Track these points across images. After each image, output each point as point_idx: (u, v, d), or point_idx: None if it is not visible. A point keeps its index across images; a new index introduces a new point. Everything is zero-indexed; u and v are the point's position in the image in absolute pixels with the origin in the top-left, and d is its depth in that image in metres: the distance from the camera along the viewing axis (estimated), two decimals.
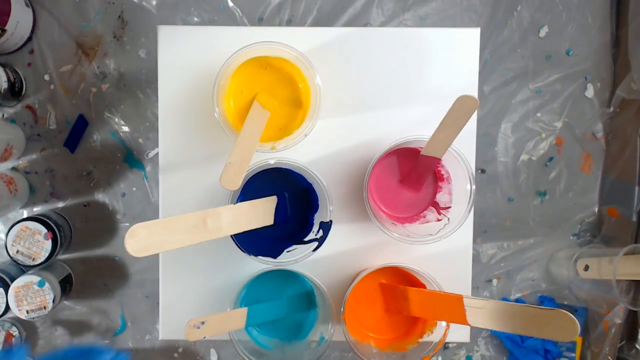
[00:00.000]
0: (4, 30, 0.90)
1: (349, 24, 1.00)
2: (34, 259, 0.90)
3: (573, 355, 1.01)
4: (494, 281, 1.02)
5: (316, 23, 1.00)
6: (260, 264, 0.51)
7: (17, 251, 0.89)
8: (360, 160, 0.58)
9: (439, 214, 0.55)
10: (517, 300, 1.02)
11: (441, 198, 0.55)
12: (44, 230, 0.89)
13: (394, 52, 0.57)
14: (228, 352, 1.02)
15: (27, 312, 0.88)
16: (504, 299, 1.02)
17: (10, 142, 0.93)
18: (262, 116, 0.51)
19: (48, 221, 0.90)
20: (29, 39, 0.97)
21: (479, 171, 1.02)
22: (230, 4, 0.99)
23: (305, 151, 0.57)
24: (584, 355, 1.01)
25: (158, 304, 0.59)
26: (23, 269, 0.95)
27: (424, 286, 0.53)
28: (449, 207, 0.54)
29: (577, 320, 0.40)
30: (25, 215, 0.99)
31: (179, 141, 0.57)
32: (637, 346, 0.96)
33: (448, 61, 0.58)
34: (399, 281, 0.55)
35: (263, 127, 0.50)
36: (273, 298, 0.56)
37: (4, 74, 0.91)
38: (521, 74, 1.01)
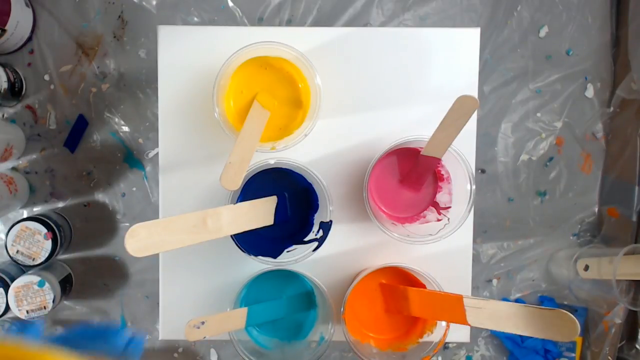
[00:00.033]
0: (4, 30, 0.90)
1: (349, 24, 1.00)
2: (34, 259, 0.90)
3: (573, 355, 1.01)
4: (494, 281, 1.02)
5: (316, 23, 1.00)
6: (260, 264, 0.51)
7: (17, 251, 0.89)
8: (360, 160, 0.58)
9: (439, 214, 0.55)
10: (517, 300, 1.02)
11: (441, 198, 0.55)
12: (44, 230, 0.89)
13: (394, 52, 0.57)
14: (228, 352, 1.02)
15: (27, 312, 0.88)
16: (504, 299, 1.02)
17: (10, 142, 0.93)
18: (262, 116, 0.51)
19: (48, 221, 0.90)
20: (29, 39, 0.97)
21: (479, 171, 1.02)
22: (230, 4, 0.99)
23: (305, 151, 0.57)
24: (584, 355, 1.01)
25: (158, 304, 0.59)
26: (23, 269, 0.95)
27: (424, 286, 0.53)
28: (449, 207, 0.54)
29: (577, 320, 0.40)
30: (25, 215, 0.99)
31: (179, 141, 0.57)
32: (637, 346, 0.96)
33: (448, 61, 0.58)
34: (399, 281, 0.55)
35: (263, 127, 0.50)
36: (273, 298, 0.56)
37: (4, 74, 0.91)
38: (521, 74, 1.01)
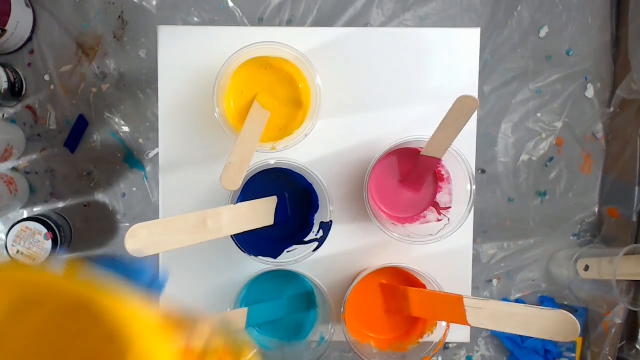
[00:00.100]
0: (4, 30, 0.90)
1: (349, 24, 1.00)
2: (34, 259, 0.90)
3: (573, 355, 1.01)
4: (494, 281, 1.02)
5: (316, 23, 1.00)
6: (260, 264, 0.51)
7: (17, 251, 0.89)
8: (360, 160, 0.58)
9: (439, 214, 0.55)
10: (517, 300, 1.02)
11: (441, 198, 0.55)
12: (44, 230, 0.89)
13: (394, 52, 0.57)
14: None
15: None
16: (504, 299, 1.02)
17: (10, 142, 0.93)
18: (262, 116, 0.51)
19: (48, 221, 0.90)
20: (29, 39, 0.97)
21: (479, 171, 1.02)
22: (230, 4, 0.99)
23: (305, 151, 0.57)
24: (584, 355, 1.01)
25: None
26: None
27: (424, 286, 0.53)
28: (449, 207, 0.54)
29: (577, 320, 0.40)
30: (25, 215, 0.99)
31: (179, 141, 0.57)
32: (637, 346, 0.96)
33: (448, 61, 0.58)
34: (399, 281, 0.55)
35: (263, 127, 0.50)
36: (273, 298, 0.56)
37: (4, 74, 0.91)
38: (521, 74, 1.01)
